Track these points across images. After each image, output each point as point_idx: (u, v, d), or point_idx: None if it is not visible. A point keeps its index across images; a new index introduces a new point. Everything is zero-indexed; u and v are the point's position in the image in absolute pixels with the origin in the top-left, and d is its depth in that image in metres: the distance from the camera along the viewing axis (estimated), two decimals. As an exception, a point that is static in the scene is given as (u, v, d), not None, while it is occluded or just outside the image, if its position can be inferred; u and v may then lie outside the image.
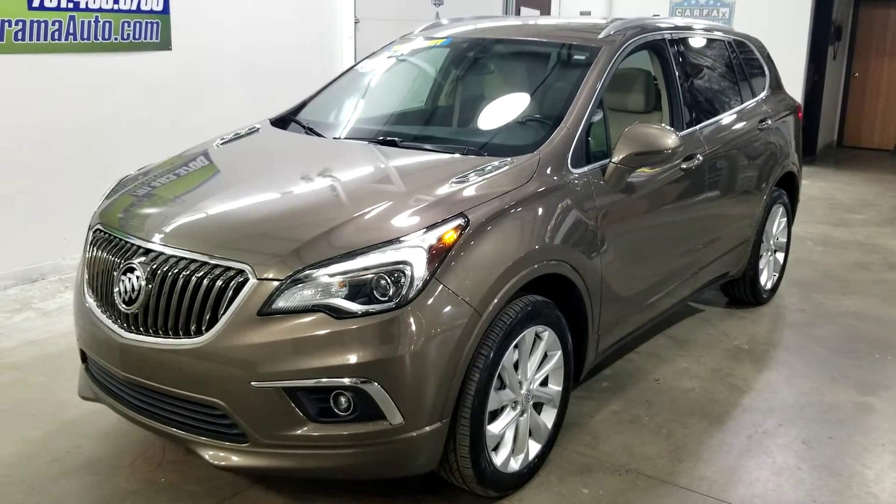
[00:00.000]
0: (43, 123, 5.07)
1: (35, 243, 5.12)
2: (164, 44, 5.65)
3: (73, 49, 5.12)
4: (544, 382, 3.05)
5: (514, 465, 2.92)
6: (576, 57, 3.65)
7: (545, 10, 10.13)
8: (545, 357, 3.02)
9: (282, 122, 3.81)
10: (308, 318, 2.41)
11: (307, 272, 2.45)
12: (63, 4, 5.02)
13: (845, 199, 8.56)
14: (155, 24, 5.57)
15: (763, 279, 4.93)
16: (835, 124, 12.45)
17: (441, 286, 2.50)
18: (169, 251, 2.60)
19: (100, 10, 5.21)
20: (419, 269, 2.48)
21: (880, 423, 3.57)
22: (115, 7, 5.29)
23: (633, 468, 3.14)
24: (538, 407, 3.06)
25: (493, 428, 2.78)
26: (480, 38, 4.05)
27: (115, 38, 5.35)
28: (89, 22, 5.18)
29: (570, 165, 3.14)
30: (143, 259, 2.61)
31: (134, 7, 5.41)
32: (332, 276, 2.45)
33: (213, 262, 2.51)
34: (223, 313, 2.45)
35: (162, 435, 2.69)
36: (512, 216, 2.80)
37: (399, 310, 2.43)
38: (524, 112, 3.52)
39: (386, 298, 2.45)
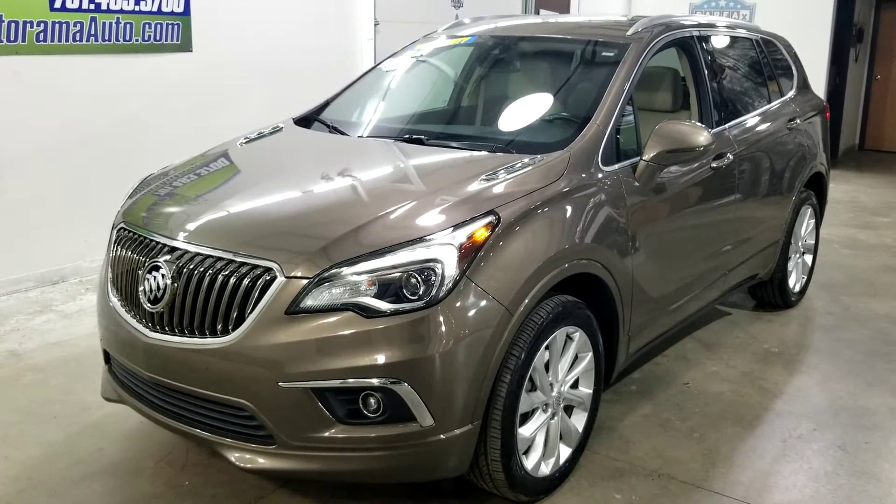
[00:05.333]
0: (64, 125, 5.06)
1: (56, 245, 5.10)
2: (185, 45, 5.64)
3: (94, 50, 5.10)
4: (575, 385, 2.98)
5: (545, 469, 2.85)
6: (604, 54, 3.58)
7: (564, 12, 10.07)
8: (576, 359, 2.95)
9: (305, 121, 3.77)
10: (337, 318, 2.36)
11: (335, 270, 2.39)
12: (84, 6, 5.01)
13: (870, 201, 8.44)
14: (176, 26, 5.55)
15: (791, 281, 4.83)
16: (856, 127, 12.30)
17: (472, 285, 2.44)
18: (195, 249, 2.55)
19: (121, 11, 5.19)
20: (450, 268, 2.42)
21: (918, 428, 3.47)
22: (137, 9, 5.27)
23: (665, 473, 3.06)
24: (568, 410, 2.99)
25: (524, 431, 2.72)
26: (505, 36, 4.00)
27: (136, 40, 5.33)
28: (110, 23, 5.17)
29: (600, 163, 3.08)
30: (168, 257, 2.57)
31: (155, 9, 5.39)
32: (360, 274, 2.40)
33: (240, 259, 2.46)
34: (250, 312, 2.39)
35: (186, 437, 2.64)
36: (542, 214, 2.73)
37: (429, 309, 2.38)
38: (552, 109, 3.46)
39: (416, 297, 2.39)
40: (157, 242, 2.66)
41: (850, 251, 6.35)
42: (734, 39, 4.48)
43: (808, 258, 5.08)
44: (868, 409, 3.63)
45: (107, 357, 2.95)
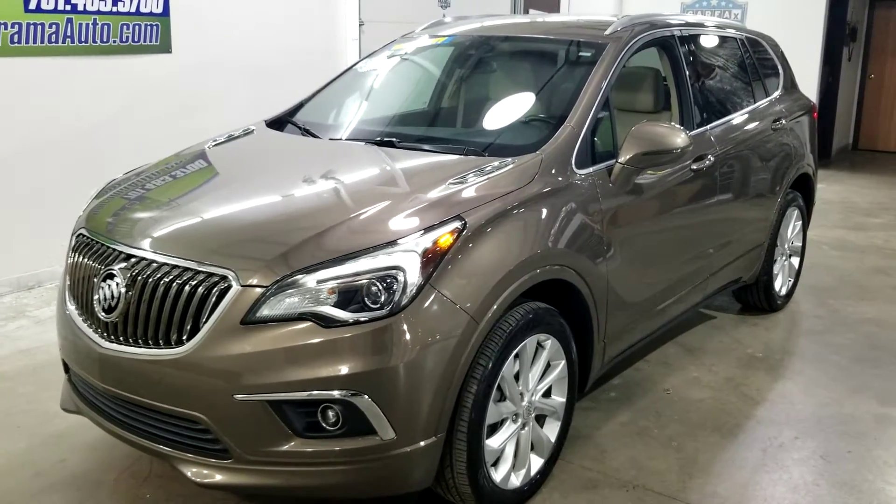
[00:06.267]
0: (40, 128, 4.98)
1: (32, 250, 5.02)
2: (164, 47, 5.56)
3: (70, 52, 5.02)
4: (547, 393, 2.91)
5: (515, 481, 2.77)
6: (581, 54, 3.51)
7: (554, 12, 10.00)
8: (548, 367, 2.87)
9: (278, 123, 3.69)
10: (294, 327, 2.28)
11: (294, 278, 2.32)
12: (60, 7, 4.93)
13: (862, 202, 8.37)
14: (154, 27, 5.47)
15: (777, 285, 4.76)
16: (850, 127, 12.23)
17: (436, 293, 2.37)
18: (150, 256, 2.47)
19: (98, 12, 5.12)
20: (413, 275, 2.34)
21: (902, 436, 3.40)
22: (114, 9, 5.20)
23: (640, 484, 2.99)
24: (541, 419, 2.92)
25: (492, 442, 2.64)
26: (483, 36, 3.92)
27: (114, 41, 5.26)
28: (87, 24, 5.09)
29: (574, 166, 3.00)
30: (123, 265, 2.49)
31: (133, 9, 5.31)
32: (320, 282, 2.32)
33: (195, 267, 2.38)
34: (205, 322, 2.32)
35: (144, 450, 2.55)
36: (512, 218, 2.66)
37: (391, 318, 2.30)
38: (527, 111, 3.39)
39: (377, 306, 2.31)
40: (113, 249, 2.58)
41: (840, 253, 6.28)
42: (718, 39, 4.40)
43: (795, 261, 5.01)
44: (852, 417, 3.56)
45: (66, 367, 2.87)
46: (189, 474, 2.41)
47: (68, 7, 4.95)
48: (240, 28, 6.03)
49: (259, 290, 2.30)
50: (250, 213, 2.72)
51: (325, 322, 2.28)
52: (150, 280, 2.42)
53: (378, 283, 2.32)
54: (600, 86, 3.25)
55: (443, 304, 2.38)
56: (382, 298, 2.32)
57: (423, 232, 2.43)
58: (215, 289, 2.33)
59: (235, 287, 2.31)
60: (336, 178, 2.94)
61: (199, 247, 2.46)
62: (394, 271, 2.34)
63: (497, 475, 2.68)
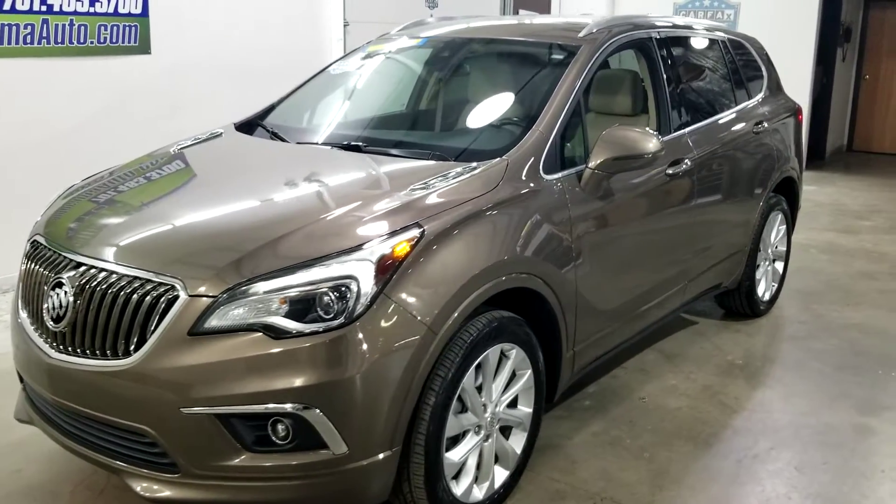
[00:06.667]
0: (14, 130, 4.91)
1: (5, 253, 4.95)
2: (144, 48, 5.49)
3: (46, 53, 4.96)
4: (513, 404, 2.85)
5: (478, 494, 2.71)
6: (554, 56, 3.45)
7: (545, 13, 9.93)
8: (513, 377, 2.81)
9: (248, 125, 3.63)
10: (242, 338, 2.22)
11: (243, 288, 2.25)
12: (36, 7, 4.87)
13: (854, 204, 8.30)
14: (133, 28, 5.41)
15: (760, 290, 4.69)
16: (844, 128, 12.16)
17: (391, 303, 2.31)
18: (99, 265, 2.41)
19: (74, 13, 5.05)
20: (366, 285, 2.28)
21: (880, 447, 3.33)
22: (91, 10, 5.13)
23: (608, 496, 2.92)
24: (506, 430, 2.85)
25: (453, 455, 2.58)
26: (458, 39, 3.86)
27: (91, 42, 5.19)
28: (63, 25, 5.03)
29: (542, 171, 2.94)
30: (72, 273, 2.43)
31: (111, 10, 5.25)
32: (270, 291, 2.26)
33: (143, 276, 2.32)
34: (152, 333, 2.26)
35: (95, 464, 2.49)
36: (474, 226, 2.59)
37: (342, 329, 2.24)
38: (497, 115, 3.32)
39: (330, 316, 2.25)
40: (64, 257, 2.52)
41: (828, 256, 6.22)
42: (698, 41, 4.34)
43: (780, 265, 4.94)
44: (830, 426, 3.49)
45: (20, 376, 2.81)
46: (138, 489, 2.35)
47: (44, 8, 4.89)
48: (222, 29, 5.97)
49: (207, 299, 2.24)
50: (203, 220, 2.65)
51: (274, 333, 2.22)
52: (99, 289, 2.36)
53: (331, 293, 2.26)
54: (572, 89, 3.18)
55: (398, 314, 2.32)
56: (335, 309, 2.25)
57: (378, 240, 2.37)
58: (163, 298, 2.27)
59: (183, 297, 2.25)
60: (296, 184, 2.88)
61: (148, 255, 2.40)
62: (347, 281, 2.28)
63: (458, 488, 2.62)
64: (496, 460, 2.79)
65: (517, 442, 2.87)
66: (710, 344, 4.37)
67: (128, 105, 5.44)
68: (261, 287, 2.25)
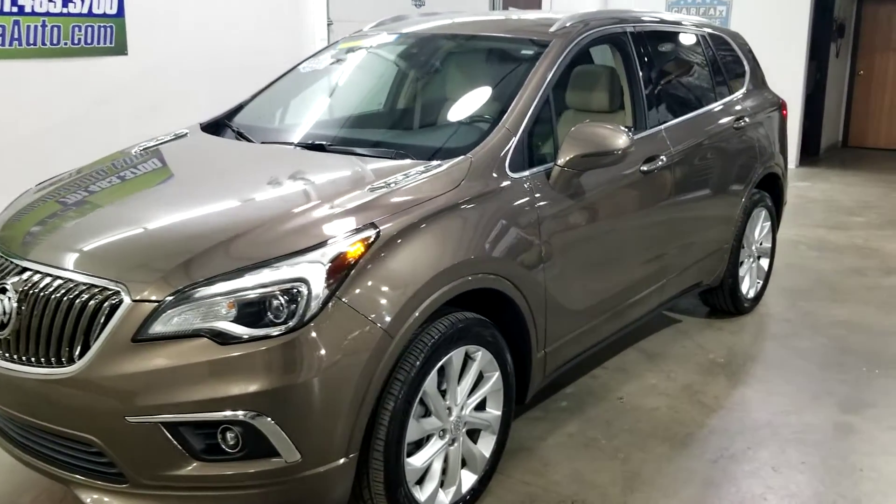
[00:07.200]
0: (-13, 133, 4.87)
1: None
2: (119, 48, 5.44)
3: (18, 55, 4.92)
4: (481, 406, 2.78)
5: (444, 499, 2.65)
6: (524, 52, 3.38)
7: (535, 9, 9.86)
8: (481, 379, 2.74)
9: (214, 126, 3.56)
10: (189, 345, 2.15)
11: (189, 292, 2.19)
12: (6, 8, 4.82)
13: (847, 200, 8.22)
14: (108, 28, 5.35)
15: (745, 287, 4.62)
16: (839, 124, 12.07)
17: (344, 306, 2.24)
18: (44, 269, 2.35)
19: (47, 14, 5.01)
20: (317, 288, 2.22)
21: (860, 445, 3.26)
22: (65, 11, 5.09)
23: (580, 499, 2.86)
24: (475, 434, 2.79)
25: (415, 460, 2.51)
26: (428, 35, 3.79)
27: (65, 43, 5.14)
28: (36, 27, 4.98)
29: (508, 169, 2.87)
30: (16, 279, 2.37)
31: (85, 10, 5.20)
32: (218, 295, 2.19)
33: (87, 280, 2.26)
34: (95, 339, 2.19)
35: (45, 474, 2.43)
36: (434, 226, 2.53)
37: (293, 334, 2.17)
38: (465, 112, 3.27)
39: (280, 321, 2.19)
40: (9, 262, 2.45)
41: (818, 253, 6.14)
42: (677, 35, 4.27)
43: (765, 262, 4.87)
44: (810, 425, 3.42)
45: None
46: (88, 501, 2.29)
47: (15, 9, 4.84)
48: (201, 28, 5.92)
49: (151, 304, 2.17)
50: (152, 223, 2.57)
51: (221, 338, 2.15)
52: (42, 295, 2.29)
53: (281, 297, 2.20)
54: (541, 84, 3.12)
55: (352, 317, 2.25)
56: (285, 313, 2.19)
57: (331, 241, 2.30)
58: (106, 304, 2.21)
59: (127, 301, 2.19)
60: (254, 184, 2.82)
61: (92, 259, 2.34)
62: (298, 284, 2.21)
63: (421, 494, 2.55)
64: (463, 464, 2.73)
65: (486, 445, 2.80)
66: (692, 342, 4.30)
67: (105, 108, 5.38)
68: (208, 291, 2.19)
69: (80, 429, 2.22)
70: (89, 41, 5.25)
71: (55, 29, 5.05)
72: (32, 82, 5.00)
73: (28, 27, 4.91)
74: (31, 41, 4.95)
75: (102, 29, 5.30)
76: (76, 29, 5.15)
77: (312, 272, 2.23)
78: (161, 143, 3.34)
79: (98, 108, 5.36)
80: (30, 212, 2.78)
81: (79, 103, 5.26)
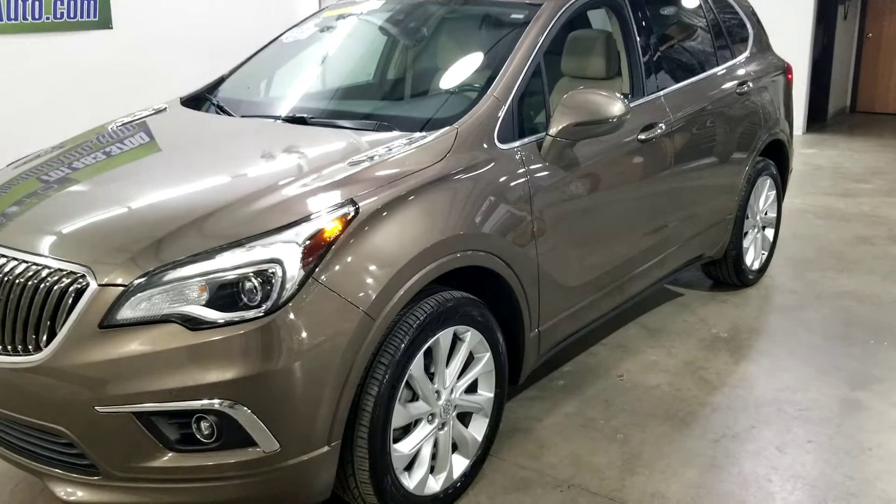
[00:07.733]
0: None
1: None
2: (104, 22, 5.30)
3: (-1, 31, 4.78)
4: (472, 389, 2.67)
5: (434, 485, 2.55)
6: (513, 16, 3.22)
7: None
8: (471, 360, 2.63)
9: (194, 100, 3.43)
10: (159, 331, 2.05)
11: (158, 275, 2.08)
12: (-15, -17, 4.68)
13: (854, 167, 8.04)
14: (92, 2, 5.20)
15: (749, 259, 4.49)
16: (847, 89, 11.82)
17: (321, 287, 2.13)
18: (9, 253, 2.24)
19: (28, -13, 4.86)
20: (293, 268, 2.10)
21: (868, 423, 3.15)
22: (46, -16, 4.94)
23: (576, 483, 2.76)
24: (466, 417, 2.69)
25: (403, 447, 2.42)
26: (415, 2, 3.63)
27: (48, 18, 5.00)
28: (16, 2, 4.83)
29: (497, 140, 2.74)
30: (-18, 265, 2.26)
31: (67, -17, 5.05)
32: (188, 278, 2.08)
33: (52, 264, 2.15)
34: (62, 326, 2.09)
35: (17, 466, 2.34)
36: (417, 201, 2.41)
37: (267, 318, 2.06)
38: (452, 81, 3.13)
39: (254, 304, 2.08)
40: (-25, 247, 2.34)
41: (824, 221, 5.99)
42: (677, -3, 4.10)
43: (770, 232, 4.73)
44: (816, 402, 3.31)
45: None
46: (60, 493, 2.21)
47: (-6, -17, 4.70)
48: (187, 2, 5.75)
49: (118, 288, 2.06)
50: (123, 203, 2.46)
51: (192, 324, 2.04)
52: (7, 280, 2.18)
53: (254, 279, 2.08)
54: (531, 51, 2.97)
55: (330, 299, 2.14)
56: (259, 296, 2.08)
57: (307, 220, 2.18)
58: (72, 288, 2.10)
59: (93, 286, 2.08)
60: (231, 160, 2.70)
61: (58, 241, 2.24)
62: (272, 265, 2.10)
63: (410, 481, 2.46)
64: (454, 449, 2.63)
65: (478, 429, 2.70)
66: (694, 317, 4.18)
67: (90, 83, 5.26)
68: (177, 273, 2.08)
69: (49, 419, 2.13)
70: (72, 15, 5.10)
71: (37, 4, 4.91)
72: (14, 58, 4.87)
73: (9, 2, 4.77)
74: (12, 16, 4.81)
75: (86, 2, 5.15)
76: (58, 3, 5.01)
77: (287, 252, 2.11)
78: (139, 119, 3.21)
79: (83, 84, 5.23)
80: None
81: (63, 80, 5.14)
